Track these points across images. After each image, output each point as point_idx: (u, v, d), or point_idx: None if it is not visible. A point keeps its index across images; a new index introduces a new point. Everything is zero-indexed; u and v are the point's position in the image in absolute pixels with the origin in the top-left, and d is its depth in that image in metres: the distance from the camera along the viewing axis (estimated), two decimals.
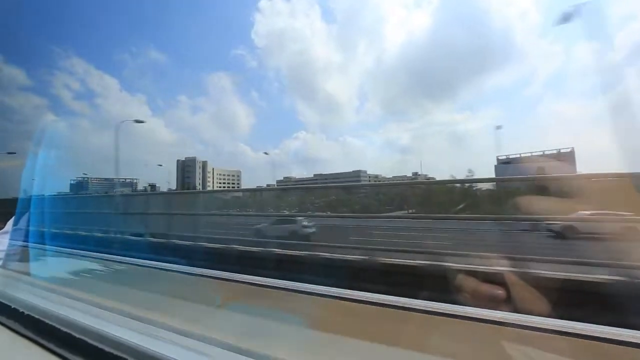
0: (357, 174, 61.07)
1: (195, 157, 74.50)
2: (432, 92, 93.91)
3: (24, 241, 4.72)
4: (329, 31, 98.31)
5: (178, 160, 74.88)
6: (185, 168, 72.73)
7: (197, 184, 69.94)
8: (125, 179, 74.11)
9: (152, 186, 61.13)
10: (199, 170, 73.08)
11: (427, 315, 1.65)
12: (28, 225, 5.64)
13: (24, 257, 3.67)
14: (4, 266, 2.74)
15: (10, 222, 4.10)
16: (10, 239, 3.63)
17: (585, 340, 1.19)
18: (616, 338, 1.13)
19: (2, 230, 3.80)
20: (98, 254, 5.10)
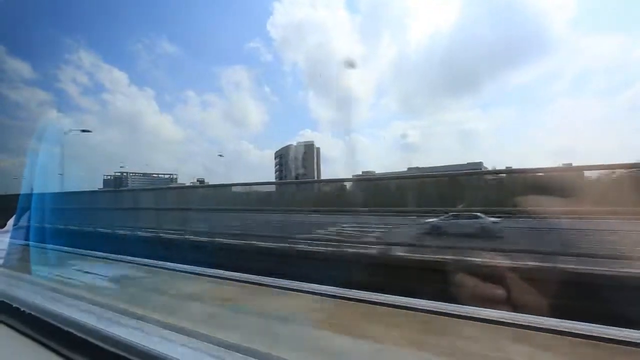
0: (476, 167, 51.72)
1: (312, 141, 61.47)
2: (454, 88, 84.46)
3: (25, 240, 4.73)
4: (352, 22, 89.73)
5: (289, 147, 61.23)
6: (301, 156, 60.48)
7: (314, 174, 57.31)
8: (164, 174, 70.35)
9: (201, 181, 53.31)
10: (315, 159, 60.40)
11: (428, 314, 1.66)
12: (29, 224, 5.66)
13: (26, 256, 3.68)
14: (6, 265, 2.75)
15: (11, 221, 4.12)
16: (12, 238, 3.65)
17: (584, 340, 1.19)
18: (615, 337, 1.14)
19: (3, 229, 3.81)
20: (99, 253, 5.12)
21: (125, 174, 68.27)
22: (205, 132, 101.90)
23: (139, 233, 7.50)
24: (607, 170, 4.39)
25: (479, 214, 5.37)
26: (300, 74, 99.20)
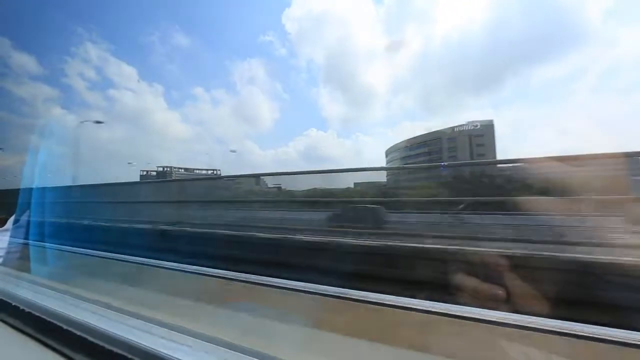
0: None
1: (492, 120, 53.69)
2: (474, 85, 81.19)
3: (25, 238, 4.73)
4: (375, 14, 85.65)
5: (463, 125, 53.04)
6: (473, 140, 53.39)
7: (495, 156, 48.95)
8: (207, 169, 68.26)
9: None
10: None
11: (426, 314, 1.66)
12: (29, 221, 5.64)
13: (25, 254, 3.68)
14: (5, 264, 2.75)
15: (11, 220, 4.12)
16: (12, 237, 3.65)
17: (583, 341, 1.19)
18: (613, 339, 1.14)
19: (3, 228, 3.82)
20: (99, 252, 5.12)
21: (169, 168, 67.57)
22: (213, 130, 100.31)
23: None
24: None
25: None
26: (315, 70, 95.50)
